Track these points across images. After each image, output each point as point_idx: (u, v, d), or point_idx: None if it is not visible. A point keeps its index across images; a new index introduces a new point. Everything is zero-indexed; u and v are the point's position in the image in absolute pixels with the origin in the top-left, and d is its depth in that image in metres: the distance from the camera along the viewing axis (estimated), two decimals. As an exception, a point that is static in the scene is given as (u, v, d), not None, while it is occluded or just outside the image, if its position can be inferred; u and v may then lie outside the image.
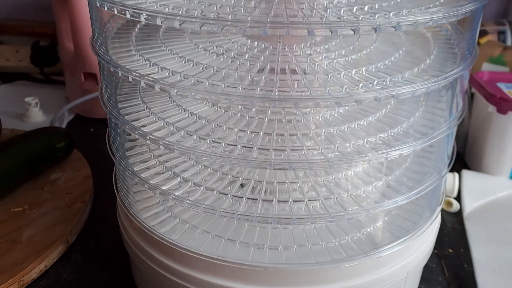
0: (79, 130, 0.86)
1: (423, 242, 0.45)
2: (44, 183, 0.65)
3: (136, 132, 0.37)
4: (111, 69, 0.37)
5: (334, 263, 0.38)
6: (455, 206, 0.66)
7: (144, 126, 0.39)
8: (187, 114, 0.41)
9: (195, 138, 0.38)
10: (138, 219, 0.42)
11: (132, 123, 0.39)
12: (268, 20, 0.31)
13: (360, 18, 0.32)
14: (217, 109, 0.42)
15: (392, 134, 0.39)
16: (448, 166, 0.45)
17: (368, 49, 0.43)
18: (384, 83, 0.36)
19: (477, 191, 0.69)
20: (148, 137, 0.37)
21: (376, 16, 0.32)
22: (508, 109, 0.66)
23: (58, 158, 0.69)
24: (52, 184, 0.65)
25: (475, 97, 0.74)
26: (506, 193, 0.69)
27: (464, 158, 0.78)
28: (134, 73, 0.35)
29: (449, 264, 0.57)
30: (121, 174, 0.44)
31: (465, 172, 0.72)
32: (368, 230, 0.43)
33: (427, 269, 0.55)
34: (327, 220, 0.37)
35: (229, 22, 0.30)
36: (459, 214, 0.66)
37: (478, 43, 0.92)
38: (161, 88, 0.34)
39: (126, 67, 0.37)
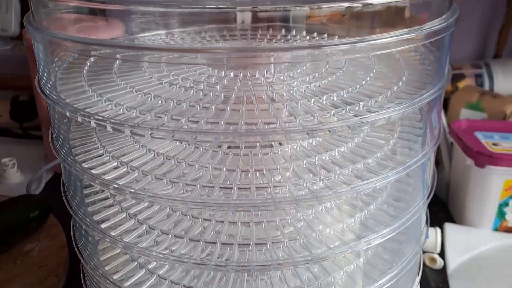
0: (57, 190, 0.85)
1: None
2: (17, 256, 0.63)
3: (108, 239, 0.36)
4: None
5: None
6: (439, 262, 0.64)
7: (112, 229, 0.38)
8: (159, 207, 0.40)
9: (170, 237, 0.37)
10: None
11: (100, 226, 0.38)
12: (222, 125, 0.30)
13: (315, 117, 0.31)
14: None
15: (359, 220, 0.38)
16: (424, 239, 0.44)
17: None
18: (357, 109, 0.33)
19: (461, 245, 0.67)
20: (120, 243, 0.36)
21: (332, 112, 0.32)
22: (486, 163, 0.65)
23: (32, 227, 0.67)
24: (25, 256, 0.63)
25: (454, 147, 0.73)
26: (489, 246, 0.67)
27: (448, 207, 0.77)
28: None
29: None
30: (89, 273, 0.42)
31: (447, 226, 0.70)
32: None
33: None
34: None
35: (182, 134, 0.30)
36: (443, 271, 0.64)
37: (456, 88, 0.92)
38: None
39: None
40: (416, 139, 0.40)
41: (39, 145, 0.98)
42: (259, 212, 0.38)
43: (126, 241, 0.35)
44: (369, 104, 0.33)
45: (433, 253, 0.66)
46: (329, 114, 0.32)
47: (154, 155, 0.38)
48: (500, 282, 0.61)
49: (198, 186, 0.33)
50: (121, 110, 0.33)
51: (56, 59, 0.41)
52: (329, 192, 0.32)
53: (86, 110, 0.32)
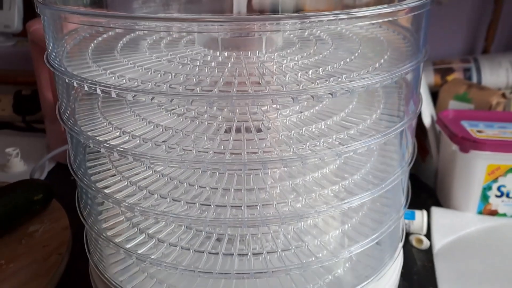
0: (59, 178, 0.88)
1: (386, 282, 0.46)
2: (22, 236, 0.66)
3: (110, 200, 0.39)
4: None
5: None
6: (425, 243, 0.68)
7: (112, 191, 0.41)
8: (158, 175, 0.43)
9: (168, 200, 0.39)
10: (113, 282, 0.43)
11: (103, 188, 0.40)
12: (216, 92, 0.33)
13: (301, 86, 0.34)
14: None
15: (344, 187, 0.41)
16: (404, 207, 0.47)
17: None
18: (340, 80, 0.36)
19: (446, 227, 0.70)
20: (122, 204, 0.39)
21: (316, 82, 0.35)
22: (470, 148, 0.68)
23: (36, 210, 0.70)
24: (29, 237, 0.66)
25: (441, 136, 0.76)
26: (473, 228, 0.70)
27: (436, 193, 0.80)
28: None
29: (418, 304, 0.58)
30: (93, 238, 0.45)
31: (434, 209, 0.74)
32: (330, 277, 0.44)
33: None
34: (285, 272, 0.38)
35: (179, 99, 0.33)
36: (429, 251, 0.67)
37: (446, 81, 0.95)
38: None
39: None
40: (395, 113, 0.43)
41: (42, 137, 1.01)
42: (251, 180, 0.41)
43: (129, 202, 0.38)
44: (351, 76, 0.37)
45: (420, 234, 0.69)
46: (313, 84, 0.35)
47: (154, 126, 0.41)
48: (482, 262, 0.64)
49: (194, 151, 0.36)
50: (124, 80, 0.36)
51: (63, 40, 0.44)
52: (312, 154, 0.35)
53: (93, 80, 0.35)
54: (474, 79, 0.95)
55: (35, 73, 0.93)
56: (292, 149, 0.36)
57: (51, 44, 0.41)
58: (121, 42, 0.46)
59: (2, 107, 1.08)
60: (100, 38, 0.47)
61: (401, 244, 0.48)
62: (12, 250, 0.63)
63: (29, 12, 1.12)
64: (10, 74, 1.14)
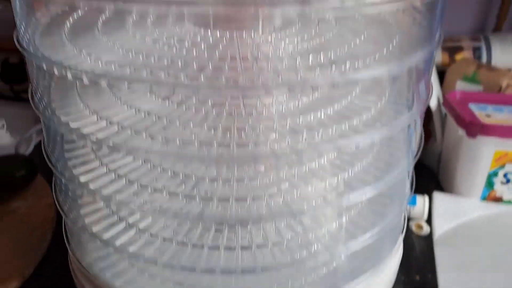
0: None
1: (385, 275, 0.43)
2: (4, 213, 0.63)
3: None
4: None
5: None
6: (425, 229, 0.65)
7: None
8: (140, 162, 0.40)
9: (150, 190, 0.36)
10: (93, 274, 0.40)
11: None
12: (202, 79, 0.30)
13: (298, 75, 0.30)
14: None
15: (343, 180, 0.37)
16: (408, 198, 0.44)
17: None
18: (343, 69, 0.32)
19: (448, 213, 0.67)
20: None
21: (317, 71, 0.31)
22: (477, 133, 0.64)
23: (19, 186, 0.67)
24: (12, 214, 0.63)
25: (447, 118, 0.72)
26: (477, 215, 0.67)
27: (438, 178, 0.77)
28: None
29: (416, 291, 0.54)
30: (71, 226, 0.41)
31: (436, 194, 0.70)
32: (324, 271, 0.41)
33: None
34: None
35: (160, 85, 0.29)
36: (429, 237, 0.64)
37: (454, 60, 0.91)
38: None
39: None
40: (403, 103, 0.39)
41: (30, 108, 0.97)
42: (242, 171, 0.38)
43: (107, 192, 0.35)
44: (356, 65, 0.32)
45: (420, 220, 0.66)
46: (314, 74, 0.31)
47: (135, 111, 0.37)
48: (485, 250, 0.61)
49: (178, 141, 0.33)
50: (100, 64, 0.32)
51: (37, 13, 0.40)
52: (309, 148, 0.31)
53: (64, 64, 0.31)
54: (484, 59, 0.91)
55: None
56: (287, 142, 0.33)
57: (18, 20, 0.36)
58: (103, 16, 0.42)
59: (-11, 76, 1.04)
60: (80, 11, 0.42)
61: (401, 236, 0.45)
62: (-9, 227, 0.60)
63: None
64: (-4, 41, 1.09)
